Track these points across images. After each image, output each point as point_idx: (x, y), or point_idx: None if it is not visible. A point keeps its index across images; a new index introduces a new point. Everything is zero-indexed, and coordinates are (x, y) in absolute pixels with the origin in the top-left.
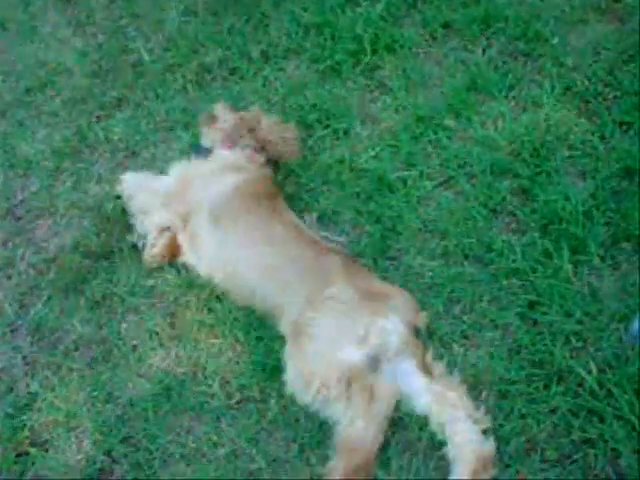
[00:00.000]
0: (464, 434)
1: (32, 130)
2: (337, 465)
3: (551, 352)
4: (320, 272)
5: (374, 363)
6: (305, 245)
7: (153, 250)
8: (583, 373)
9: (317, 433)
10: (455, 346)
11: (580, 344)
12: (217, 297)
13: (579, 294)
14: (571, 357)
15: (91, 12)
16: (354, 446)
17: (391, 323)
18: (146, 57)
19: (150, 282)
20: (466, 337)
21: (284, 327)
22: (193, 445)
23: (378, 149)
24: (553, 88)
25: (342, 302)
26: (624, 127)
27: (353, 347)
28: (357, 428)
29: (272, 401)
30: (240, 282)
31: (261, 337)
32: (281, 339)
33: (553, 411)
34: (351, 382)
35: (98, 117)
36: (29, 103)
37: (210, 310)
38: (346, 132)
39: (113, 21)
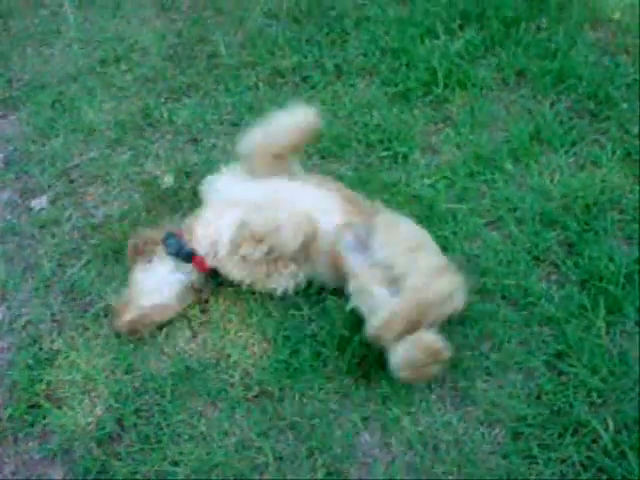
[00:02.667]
0: None
1: (100, 99)
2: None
3: (571, 403)
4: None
5: None
6: None
7: None
8: (600, 429)
9: (329, 440)
10: (478, 381)
11: (601, 401)
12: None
13: (608, 353)
14: (590, 412)
15: None
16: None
17: None
18: (223, 50)
19: None
20: (490, 374)
21: None
22: (204, 429)
23: (434, 179)
24: (614, 152)
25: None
26: None
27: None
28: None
29: (288, 401)
30: None
31: (289, 337)
32: (310, 342)
33: (564, 461)
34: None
35: (166, 99)
36: (101, 73)
37: (244, 302)
38: (405, 157)
39: (196, 11)
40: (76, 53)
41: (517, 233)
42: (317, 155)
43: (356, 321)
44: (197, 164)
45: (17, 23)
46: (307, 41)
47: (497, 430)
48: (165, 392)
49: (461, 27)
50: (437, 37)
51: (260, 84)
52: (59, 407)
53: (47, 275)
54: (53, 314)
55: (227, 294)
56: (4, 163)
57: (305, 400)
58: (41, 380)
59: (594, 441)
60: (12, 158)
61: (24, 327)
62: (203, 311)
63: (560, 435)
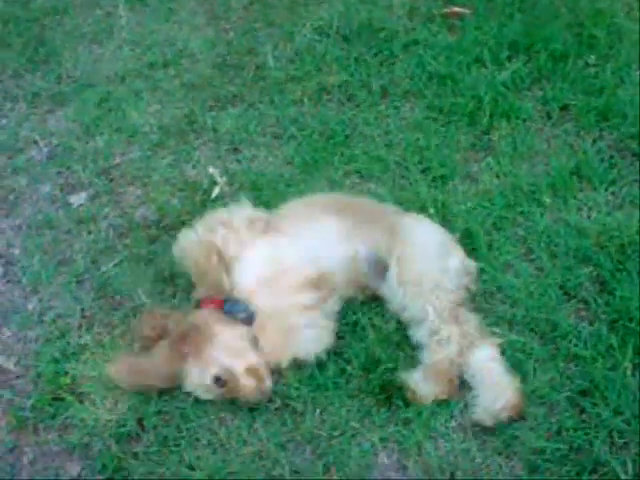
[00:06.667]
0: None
1: (146, 102)
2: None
3: (591, 442)
4: None
5: None
6: None
7: None
8: (619, 471)
9: (346, 458)
10: None
11: (622, 442)
12: None
13: (633, 395)
14: (610, 452)
15: (228, 9)
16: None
17: None
18: (271, 63)
19: None
20: None
21: None
22: (223, 436)
23: (470, 205)
24: None
25: None
26: None
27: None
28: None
29: (309, 415)
30: None
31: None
32: (336, 358)
33: None
34: None
35: (211, 107)
36: (149, 77)
37: None
38: (444, 182)
39: (247, 22)
40: (126, 54)
41: (550, 267)
42: (355, 175)
43: (386, 342)
44: (237, 174)
45: (71, 21)
46: (355, 60)
47: (514, 462)
48: (188, 397)
49: (509, 58)
50: (484, 66)
51: (305, 99)
52: (81, 402)
53: (80, 271)
54: (83, 309)
55: None
56: (47, 157)
57: (326, 416)
58: (66, 373)
59: None
60: (55, 153)
61: (53, 320)
62: None
63: (578, 473)
